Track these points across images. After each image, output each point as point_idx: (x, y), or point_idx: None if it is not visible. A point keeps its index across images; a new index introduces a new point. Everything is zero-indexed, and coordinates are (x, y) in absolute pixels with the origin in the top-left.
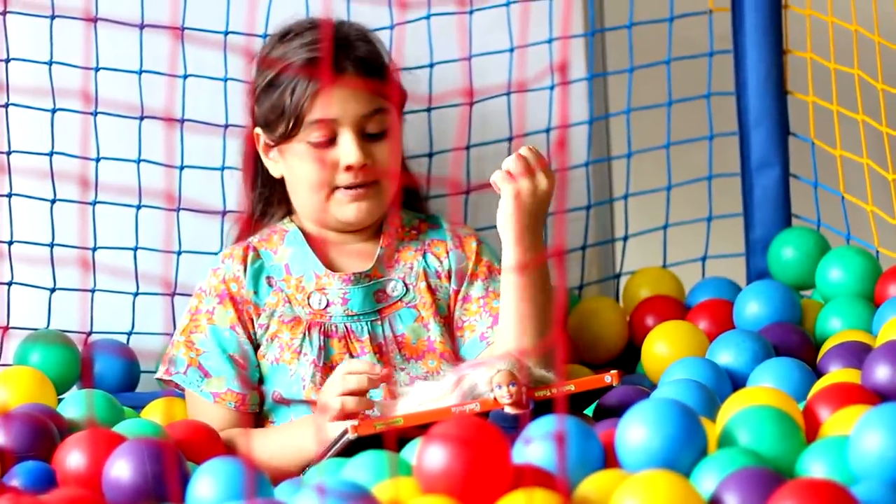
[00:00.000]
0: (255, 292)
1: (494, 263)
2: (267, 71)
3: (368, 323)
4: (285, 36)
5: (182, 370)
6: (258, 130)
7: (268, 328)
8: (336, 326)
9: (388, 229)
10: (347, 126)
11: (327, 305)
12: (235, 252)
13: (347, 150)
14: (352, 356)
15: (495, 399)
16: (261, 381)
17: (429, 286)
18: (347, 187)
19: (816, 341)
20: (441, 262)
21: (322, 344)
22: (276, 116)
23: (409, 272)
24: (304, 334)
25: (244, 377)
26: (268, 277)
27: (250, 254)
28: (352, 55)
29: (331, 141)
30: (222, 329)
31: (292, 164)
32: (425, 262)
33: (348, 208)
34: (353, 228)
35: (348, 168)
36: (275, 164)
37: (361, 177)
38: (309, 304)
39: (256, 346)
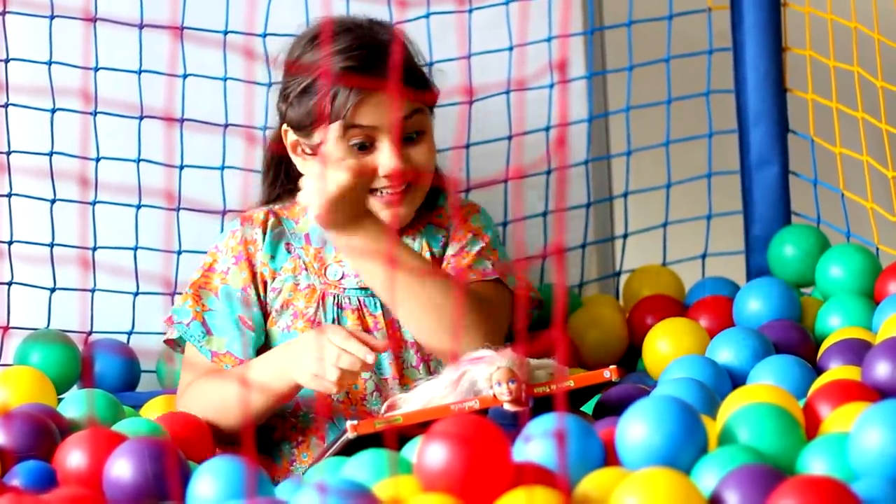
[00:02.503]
0: (273, 256)
1: (484, 231)
2: (300, 75)
3: (380, 299)
4: (314, 39)
5: (186, 321)
6: (286, 127)
7: (280, 292)
8: (349, 298)
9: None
10: (386, 134)
11: (343, 277)
12: (255, 216)
13: (387, 158)
14: (367, 331)
15: (495, 396)
16: (265, 345)
17: (433, 255)
18: (381, 190)
19: (816, 338)
20: (446, 230)
21: (336, 315)
22: (311, 122)
23: (412, 242)
24: (319, 303)
25: (247, 342)
26: (287, 244)
27: (271, 219)
28: (387, 62)
29: (369, 146)
30: (234, 290)
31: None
32: (428, 233)
33: (382, 214)
34: None
35: (387, 175)
36: (304, 163)
37: (400, 180)
38: (325, 274)
39: (266, 312)
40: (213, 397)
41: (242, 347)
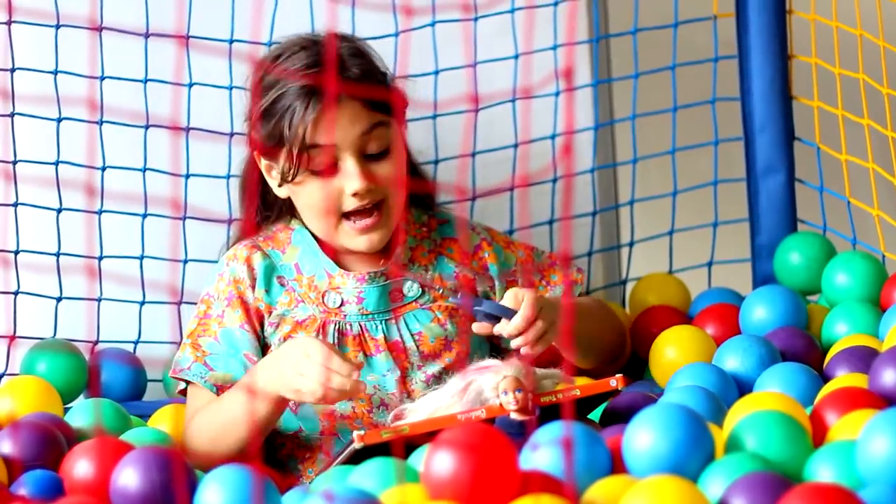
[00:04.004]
0: (267, 291)
1: (516, 241)
2: (260, 100)
3: (383, 322)
4: (277, 59)
5: (187, 366)
6: (257, 153)
7: (279, 327)
8: (350, 325)
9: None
10: (348, 150)
11: (342, 304)
12: (239, 253)
13: (351, 177)
14: (366, 355)
15: (501, 405)
16: None
17: (445, 288)
18: (355, 214)
19: (823, 346)
20: (458, 264)
21: (336, 342)
22: (274, 144)
23: (425, 274)
24: (318, 332)
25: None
26: (279, 277)
27: (256, 253)
28: (344, 76)
29: (333, 166)
30: (233, 330)
31: (297, 191)
32: (441, 264)
33: (358, 240)
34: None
35: (354, 194)
36: (279, 186)
37: (368, 198)
38: (323, 302)
39: (264, 346)
40: (210, 424)
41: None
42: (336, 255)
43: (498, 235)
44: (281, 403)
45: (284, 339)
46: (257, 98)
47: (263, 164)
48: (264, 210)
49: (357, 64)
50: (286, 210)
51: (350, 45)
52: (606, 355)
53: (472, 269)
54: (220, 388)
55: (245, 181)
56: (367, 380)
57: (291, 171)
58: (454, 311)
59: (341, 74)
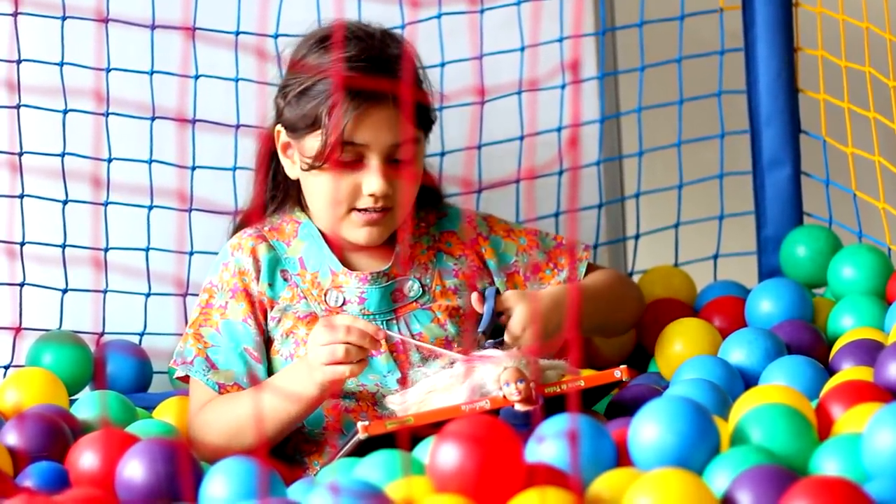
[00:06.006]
0: (270, 285)
1: (519, 227)
2: (302, 76)
3: (384, 322)
4: (323, 41)
5: (189, 360)
6: (280, 128)
7: (280, 321)
8: None
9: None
10: (376, 154)
11: (344, 303)
12: (244, 243)
13: (373, 179)
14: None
15: (505, 397)
16: (269, 373)
17: (444, 288)
18: (364, 210)
19: (829, 339)
20: (457, 259)
21: None
22: (305, 126)
23: (425, 273)
24: None
25: (253, 374)
26: (282, 271)
27: (261, 245)
28: (393, 79)
29: (356, 162)
30: (235, 322)
31: (314, 177)
32: (440, 262)
33: (360, 231)
34: (361, 247)
35: (371, 194)
36: (292, 165)
37: (382, 202)
38: (325, 300)
39: (268, 340)
40: (229, 420)
41: (249, 379)
42: (342, 252)
43: (497, 224)
44: (314, 402)
45: (286, 335)
46: (297, 73)
47: (283, 140)
48: (271, 188)
49: (407, 69)
50: (292, 193)
51: (397, 45)
52: (618, 331)
53: (473, 263)
54: (221, 387)
55: (258, 156)
56: (368, 379)
57: (323, 157)
58: (454, 312)
59: (390, 76)
